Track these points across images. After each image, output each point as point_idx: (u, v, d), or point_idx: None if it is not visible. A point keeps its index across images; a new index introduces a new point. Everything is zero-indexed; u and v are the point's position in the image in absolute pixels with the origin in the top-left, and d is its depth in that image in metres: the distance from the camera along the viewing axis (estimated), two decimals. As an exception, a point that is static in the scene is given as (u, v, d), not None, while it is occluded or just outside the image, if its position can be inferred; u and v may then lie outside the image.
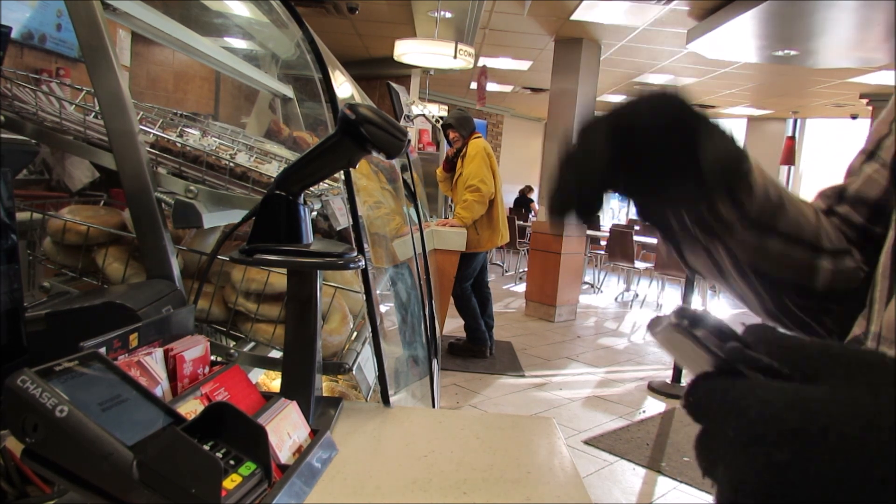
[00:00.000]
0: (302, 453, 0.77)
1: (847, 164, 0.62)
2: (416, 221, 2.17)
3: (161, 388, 0.73)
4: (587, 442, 3.71)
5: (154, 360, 0.73)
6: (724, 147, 0.48)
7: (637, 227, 8.30)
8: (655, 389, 4.75)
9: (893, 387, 0.23)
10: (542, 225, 6.95)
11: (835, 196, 0.61)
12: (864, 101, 8.84)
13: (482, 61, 8.27)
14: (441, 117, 5.38)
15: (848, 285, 0.58)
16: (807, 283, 0.58)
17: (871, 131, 0.60)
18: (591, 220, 0.52)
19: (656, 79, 8.76)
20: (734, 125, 12.03)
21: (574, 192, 0.50)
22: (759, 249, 0.56)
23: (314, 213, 1.22)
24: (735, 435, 0.25)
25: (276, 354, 1.15)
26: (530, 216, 10.99)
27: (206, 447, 0.57)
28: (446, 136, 5.07)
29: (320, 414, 0.94)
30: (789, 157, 10.41)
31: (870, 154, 0.59)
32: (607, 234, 8.60)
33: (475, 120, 5.23)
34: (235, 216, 1.05)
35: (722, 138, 0.48)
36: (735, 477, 0.25)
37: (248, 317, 1.11)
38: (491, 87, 10.22)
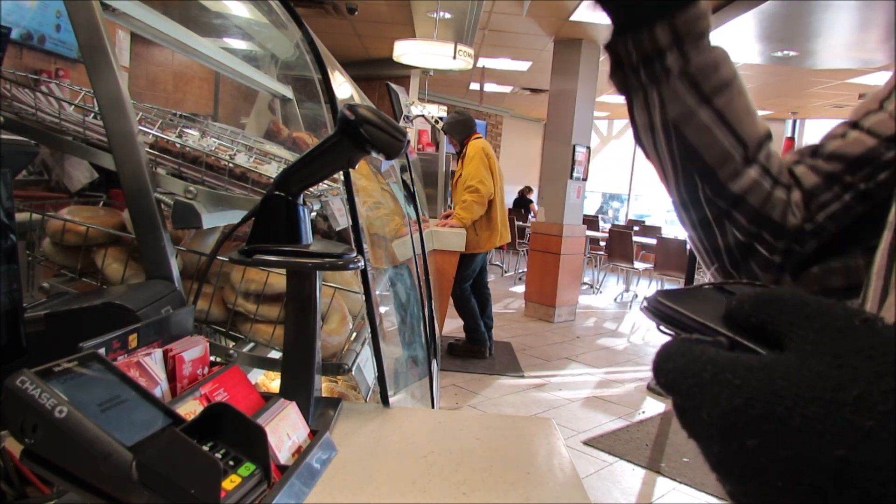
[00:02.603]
0: (301, 454, 0.77)
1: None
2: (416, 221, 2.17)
3: (160, 389, 0.73)
4: (586, 442, 3.71)
5: (153, 360, 0.73)
6: None
7: (636, 228, 8.30)
8: (655, 390, 4.75)
9: (858, 356, 0.23)
10: (542, 225, 6.95)
11: (808, 152, 0.62)
12: (864, 101, 8.84)
13: (481, 62, 8.27)
14: (441, 118, 5.38)
15: (764, 207, 0.59)
16: (722, 176, 0.59)
17: (858, 106, 0.61)
18: None
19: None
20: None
21: None
22: (688, 111, 0.58)
23: (313, 214, 1.22)
24: (710, 421, 0.25)
25: (275, 355, 1.15)
26: (530, 216, 10.98)
27: (206, 448, 0.57)
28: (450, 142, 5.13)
29: (319, 414, 0.94)
30: (788, 158, 10.43)
31: (853, 125, 0.60)
32: (607, 235, 8.61)
33: (475, 120, 5.23)
34: (235, 217, 1.05)
35: None
36: (712, 460, 0.25)
37: (247, 317, 1.11)
38: (490, 87, 10.21)
